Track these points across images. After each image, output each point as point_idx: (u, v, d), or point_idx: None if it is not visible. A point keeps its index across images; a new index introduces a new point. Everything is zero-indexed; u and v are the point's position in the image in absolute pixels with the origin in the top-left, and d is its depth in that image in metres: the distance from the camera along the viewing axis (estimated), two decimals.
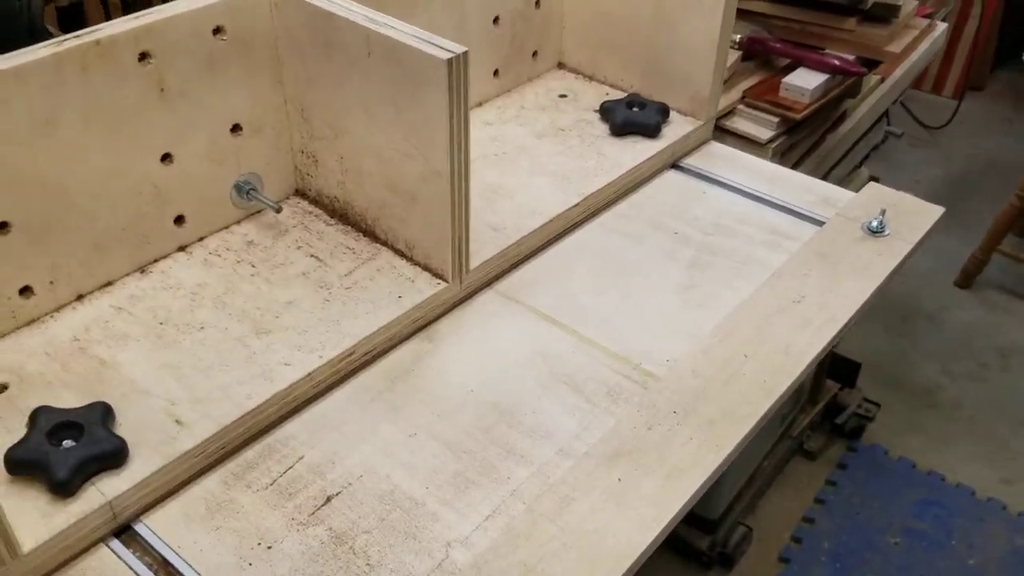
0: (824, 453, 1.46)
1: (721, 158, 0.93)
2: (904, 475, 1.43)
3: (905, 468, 1.44)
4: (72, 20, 1.40)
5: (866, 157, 1.64)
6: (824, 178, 1.37)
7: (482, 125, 0.93)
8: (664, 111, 0.91)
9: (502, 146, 0.90)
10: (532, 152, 0.89)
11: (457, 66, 0.63)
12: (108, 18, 1.28)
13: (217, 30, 0.69)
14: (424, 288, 0.72)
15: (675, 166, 0.92)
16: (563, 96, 0.98)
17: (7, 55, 0.60)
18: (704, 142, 0.94)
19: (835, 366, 1.49)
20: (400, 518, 0.57)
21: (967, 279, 1.82)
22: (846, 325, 0.71)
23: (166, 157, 0.70)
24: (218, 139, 0.73)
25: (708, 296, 0.76)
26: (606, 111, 0.93)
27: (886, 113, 1.63)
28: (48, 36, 1.02)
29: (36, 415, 0.57)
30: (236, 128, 0.74)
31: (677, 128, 0.91)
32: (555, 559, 0.53)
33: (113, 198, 0.68)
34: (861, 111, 1.49)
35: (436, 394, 0.66)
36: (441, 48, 0.63)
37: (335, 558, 0.55)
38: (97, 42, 0.63)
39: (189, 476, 0.59)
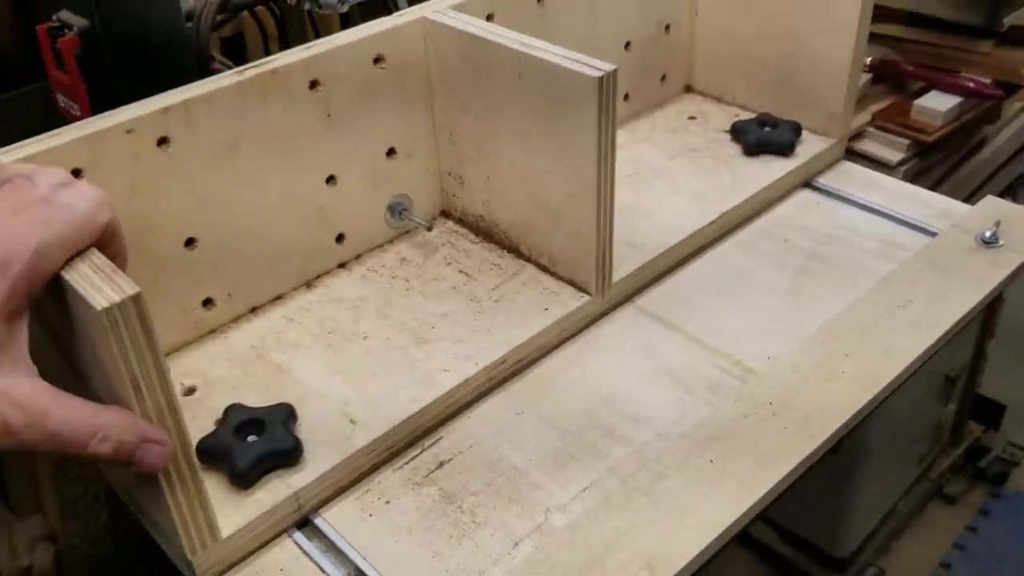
0: (965, 497, 1.40)
1: (853, 176, 0.93)
2: None
3: None
4: (235, 49, 1.50)
5: (1010, 186, 1.59)
6: None
7: None
8: (797, 129, 0.92)
9: (636, 167, 0.92)
10: (666, 172, 0.91)
11: (607, 83, 0.66)
12: (267, 48, 1.36)
13: (377, 59, 0.74)
14: (569, 301, 0.74)
15: (808, 185, 0.92)
16: (692, 118, 1.00)
17: (199, 83, 0.66)
18: (837, 160, 0.94)
19: (978, 407, 1.43)
20: (505, 485, 0.62)
21: None
22: (951, 330, 0.72)
23: (331, 179, 0.75)
24: (375, 162, 0.78)
25: (814, 300, 0.78)
26: (738, 131, 0.94)
27: None
28: (213, 62, 1.11)
29: (228, 411, 0.62)
30: (391, 152, 0.79)
31: (810, 146, 0.92)
32: (645, 527, 0.57)
33: (285, 218, 0.73)
34: (1003, 137, 1.45)
35: (544, 380, 0.70)
36: (591, 67, 0.66)
37: (445, 515, 0.60)
38: (274, 71, 0.68)
39: (361, 473, 0.62)
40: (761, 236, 0.86)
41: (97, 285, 0.45)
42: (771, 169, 0.90)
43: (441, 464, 0.63)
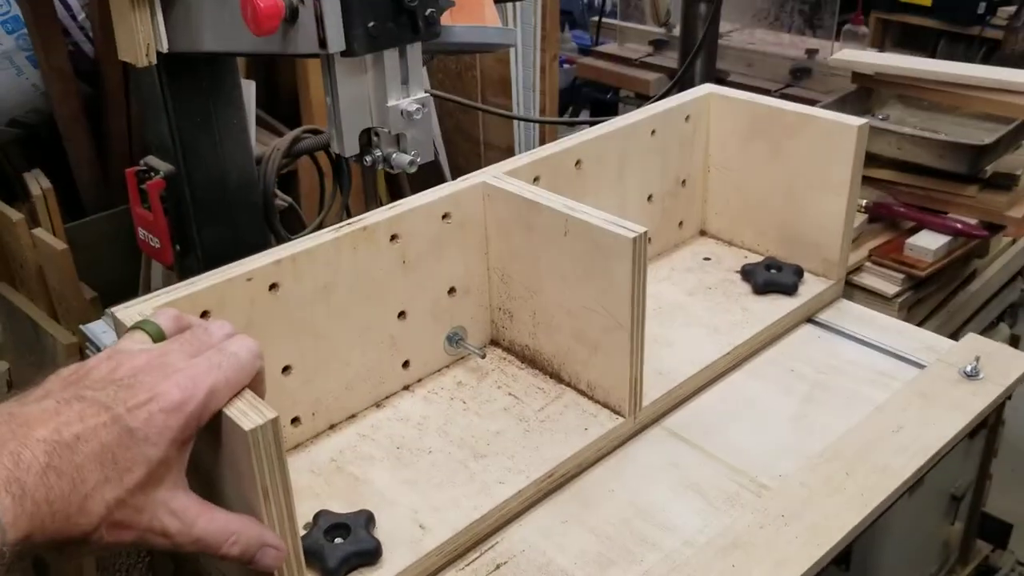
0: None
1: (850, 313, 1.06)
2: None
3: None
4: (288, 182, 1.66)
5: (1003, 314, 1.69)
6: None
7: None
8: (800, 272, 1.05)
9: (658, 302, 1.05)
10: (685, 308, 1.04)
11: (639, 242, 0.79)
12: (321, 183, 1.51)
13: (445, 215, 0.88)
14: (605, 422, 0.86)
15: (810, 320, 1.04)
16: (707, 259, 1.13)
17: (305, 238, 0.80)
18: (836, 299, 1.07)
19: (986, 526, 1.49)
20: None
21: None
22: (937, 453, 0.83)
23: (402, 314, 0.88)
24: (439, 300, 0.91)
25: (818, 423, 0.89)
26: (747, 272, 1.07)
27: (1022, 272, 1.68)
28: (275, 199, 1.25)
29: (318, 516, 0.73)
30: (452, 290, 0.92)
31: (812, 287, 1.05)
32: None
33: (363, 347, 0.86)
34: (992, 270, 1.57)
35: (585, 492, 0.81)
36: (627, 228, 0.79)
37: None
38: (364, 228, 0.82)
39: (430, 572, 0.72)
40: (770, 366, 0.98)
41: (244, 411, 0.58)
42: (777, 306, 1.02)
43: (498, 566, 0.74)
